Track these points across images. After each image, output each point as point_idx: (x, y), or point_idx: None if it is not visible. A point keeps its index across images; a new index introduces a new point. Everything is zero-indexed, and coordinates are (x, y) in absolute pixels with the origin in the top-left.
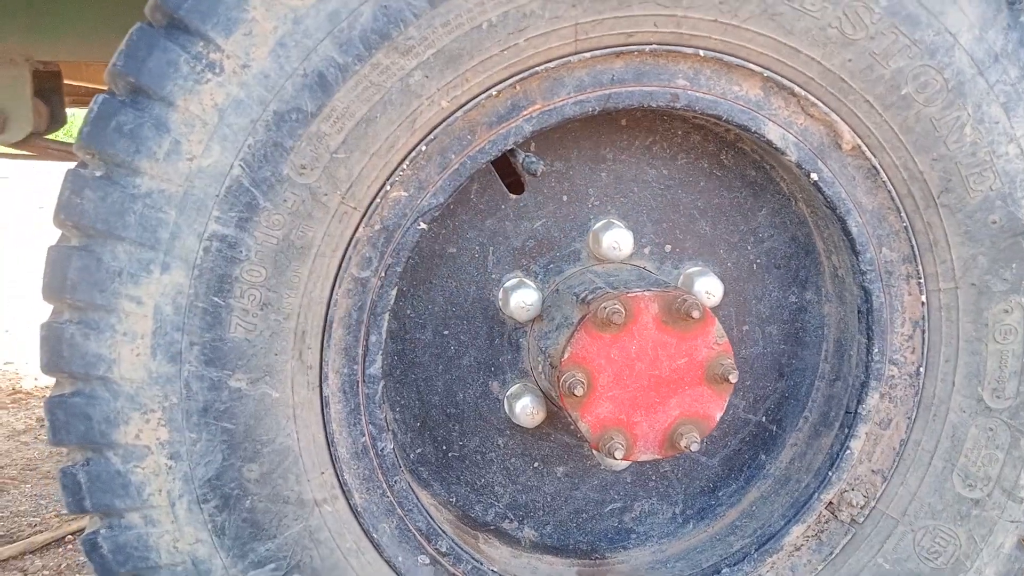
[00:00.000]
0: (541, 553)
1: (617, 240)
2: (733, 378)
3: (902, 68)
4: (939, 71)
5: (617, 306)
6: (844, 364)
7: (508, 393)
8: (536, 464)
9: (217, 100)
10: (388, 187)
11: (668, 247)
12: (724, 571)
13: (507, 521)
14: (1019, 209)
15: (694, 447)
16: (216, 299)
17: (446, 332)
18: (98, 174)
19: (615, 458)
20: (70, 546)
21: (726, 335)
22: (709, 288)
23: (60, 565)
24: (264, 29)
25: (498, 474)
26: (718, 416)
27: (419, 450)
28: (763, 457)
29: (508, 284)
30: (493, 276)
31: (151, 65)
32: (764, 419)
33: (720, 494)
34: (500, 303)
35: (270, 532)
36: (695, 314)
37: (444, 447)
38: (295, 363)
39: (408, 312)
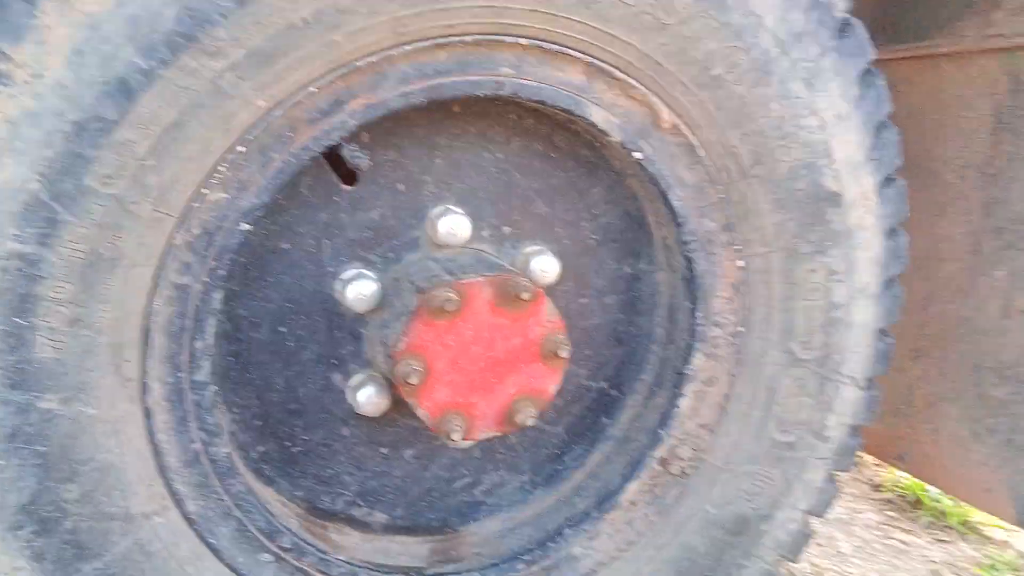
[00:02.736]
0: (393, 535)
1: (454, 226)
2: (565, 353)
3: (713, 50)
4: (746, 51)
5: (450, 293)
6: (675, 328)
7: (350, 384)
8: (384, 450)
9: (8, 112)
10: (205, 190)
11: (507, 229)
12: (566, 532)
13: (356, 508)
14: (821, 176)
15: (530, 422)
16: (18, 320)
17: (283, 329)
18: None
19: (454, 440)
20: None
21: (559, 312)
22: (545, 267)
23: None
24: (57, 36)
25: (345, 464)
26: (553, 390)
27: (261, 448)
28: (605, 420)
29: (345, 276)
30: (330, 269)
31: None
32: (605, 385)
33: (566, 459)
34: (338, 295)
35: (95, 551)
36: (525, 295)
37: (288, 443)
38: (112, 378)
39: (241, 312)
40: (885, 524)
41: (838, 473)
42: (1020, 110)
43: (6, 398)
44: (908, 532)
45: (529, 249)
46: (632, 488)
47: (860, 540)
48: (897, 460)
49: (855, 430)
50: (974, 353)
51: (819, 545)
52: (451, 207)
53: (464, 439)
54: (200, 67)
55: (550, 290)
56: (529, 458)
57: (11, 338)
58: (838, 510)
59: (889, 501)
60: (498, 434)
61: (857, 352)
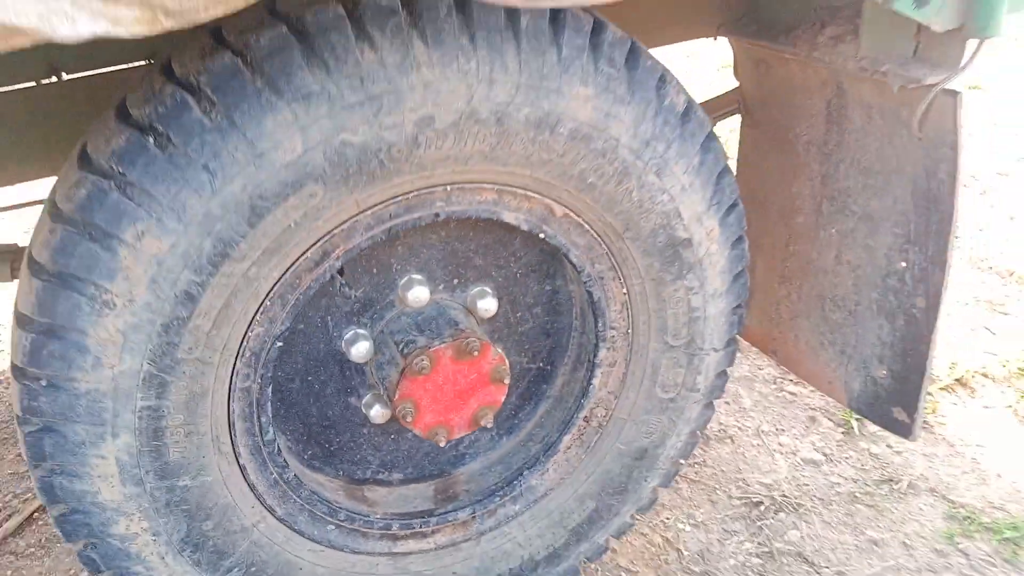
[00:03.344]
0: (407, 484)
1: (417, 293)
2: (507, 380)
3: (585, 168)
4: (610, 163)
5: (425, 360)
6: (586, 325)
7: (363, 403)
8: (392, 436)
9: (119, 326)
10: (250, 333)
11: (455, 280)
12: (525, 472)
13: (380, 474)
14: (674, 231)
15: (489, 423)
16: (155, 442)
17: (310, 378)
18: (44, 384)
19: (440, 443)
20: (40, 522)
21: (500, 350)
22: (487, 306)
23: (41, 539)
24: (137, 273)
25: (367, 450)
26: (502, 399)
27: (309, 452)
28: (544, 387)
29: (347, 337)
30: (335, 334)
31: (59, 310)
32: (541, 364)
33: (520, 415)
34: (344, 351)
35: (229, 553)
36: (476, 351)
37: (326, 445)
38: (217, 455)
39: (280, 375)
40: (780, 378)
41: (710, 400)
42: (843, 109)
43: (159, 485)
44: (797, 384)
45: (474, 291)
46: (566, 438)
47: (759, 394)
48: (771, 354)
49: (721, 374)
50: (818, 286)
51: (726, 403)
52: (414, 276)
53: (446, 440)
54: (233, 270)
55: (493, 319)
56: (495, 417)
57: (153, 452)
58: (744, 368)
59: None
60: (469, 432)
61: (715, 331)
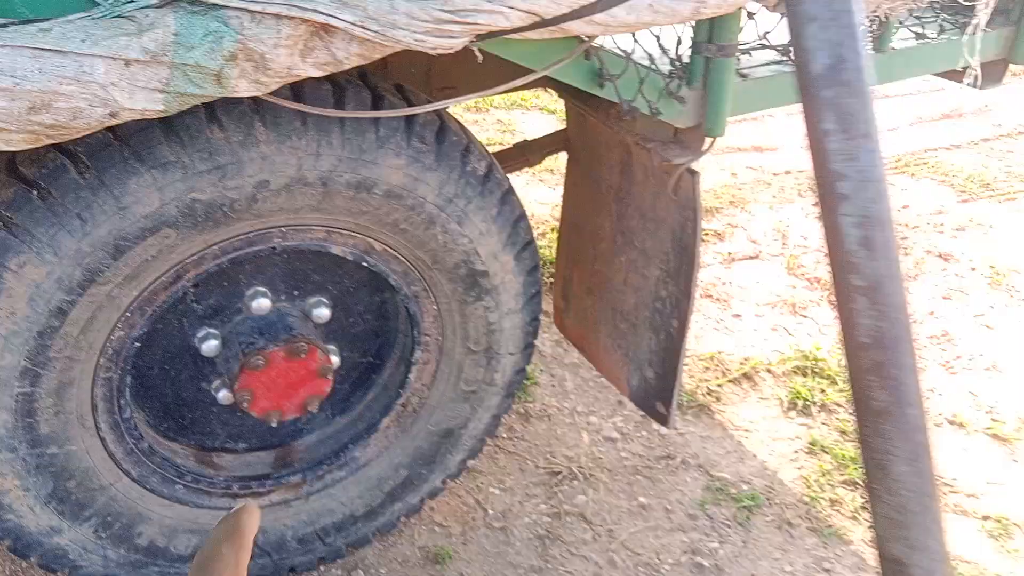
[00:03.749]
0: (251, 452)
1: (260, 303)
2: (330, 376)
3: (397, 218)
4: (418, 215)
5: (260, 360)
6: (408, 330)
7: (212, 388)
8: (239, 414)
9: (2, 332)
10: (112, 336)
11: (295, 292)
12: (350, 446)
13: (228, 443)
14: (474, 265)
15: (315, 408)
16: (28, 420)
17: (167, 367)
18: None
19: (273, 424)
20: None
21: (327, 351)
22: (321, 314)
23: None
24: (19, 293)
25: (217, 424)
26: (327, 390)
27: (165, 425)
28: (374, 377)
29: (200, 336)
30: (190, 333)
31: None
32: (371, 358)
33: (352, 399)
34: (197, 346)
35: (89, 505)
36: (304, 353)
37: (181, 420)
38: (82, 429)
39: (142, 364)
40: None
41: (509, 392)
42: (630, 166)
43: (30, 452)
44: None
45: (312, 301)
46: (386, 420)
47: (581, 379)
48: (582, 350)
49: (519, 372)
50: (612, 300)
51: (552, 386)
52: (258, 289)
53: (279, 421)
54: (98, 291)
55: (327, 325)
56: (331, 400)
57: (26, 428)
58: (574, 355)
59: None
60: (299, 415)
61: (510, 340)
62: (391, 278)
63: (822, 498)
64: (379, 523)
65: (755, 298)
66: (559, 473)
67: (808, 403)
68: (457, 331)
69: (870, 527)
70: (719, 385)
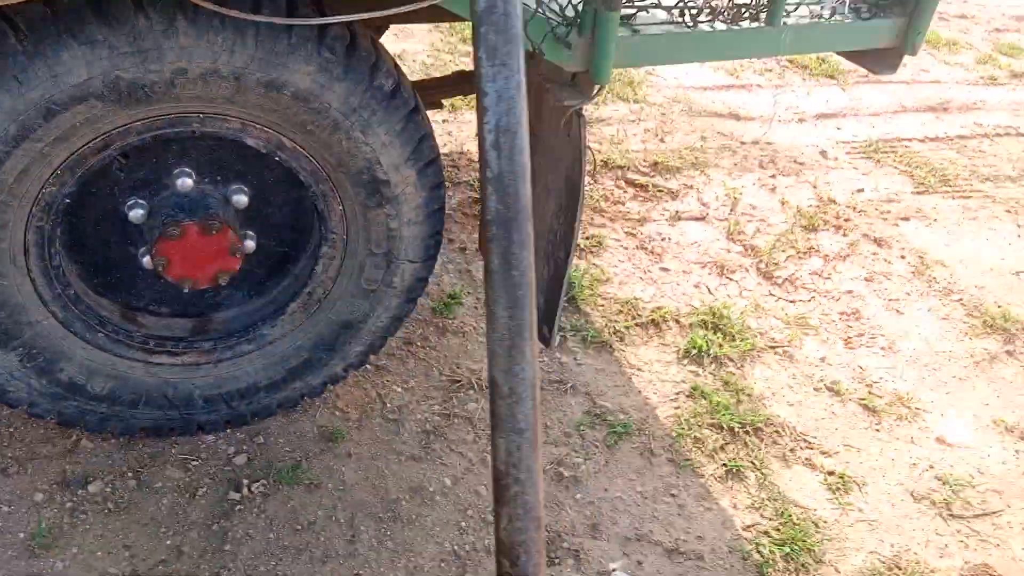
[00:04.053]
0: (173, 317)
1: (184, 181)
2: (239, 254)
3: (305, 119)
4: (324, 119)
5: (175, 230)
6: (319, 228)
7: (139, 253)
8: (163, 280)
9: None
10: (44, 190)
11: (219, 178)
12: (260, 322)
13: (152, 305)
14: (376, 173)
15: (224, 281)
16: None
17: (100, 228)
18: None
19: (186, 290)
20: None
21: (239, 232)
22: (239, 200)
23: None
24: None
25: (143, 286)
26: (237, 267)
27: (96, 280)
28: (289, 266)
29: (129, 204)
30: (121, 201)
31: None
32: (286, 249)
33: (268, 284)
34: (126, 213)
35: (17, 336)
36: (215, 229)
37: (110, 279)
38: (15, 267)
39: (76, 223)
40: None
41: (410, 296)
42: (540, 104)
43: None
44: None
45: (233, 187)
46: (293, 305)
47: None
48: None
49: (420, 280)
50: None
51: (475, 308)
52: (185, 169)
53: (191, 288)
54: (31, 147)
55: (247, 211)
56: (249, 282)
57: None
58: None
59: None
60: (211, 286)
61: (410, 248)
62: (301, 175)
63: (688, 435)
64: (281, 397)
65: (688, 256)
66: (459, 382)
67: (702, 353)
68: (360, 232)
69: (710, 456)
70: (626, 327)
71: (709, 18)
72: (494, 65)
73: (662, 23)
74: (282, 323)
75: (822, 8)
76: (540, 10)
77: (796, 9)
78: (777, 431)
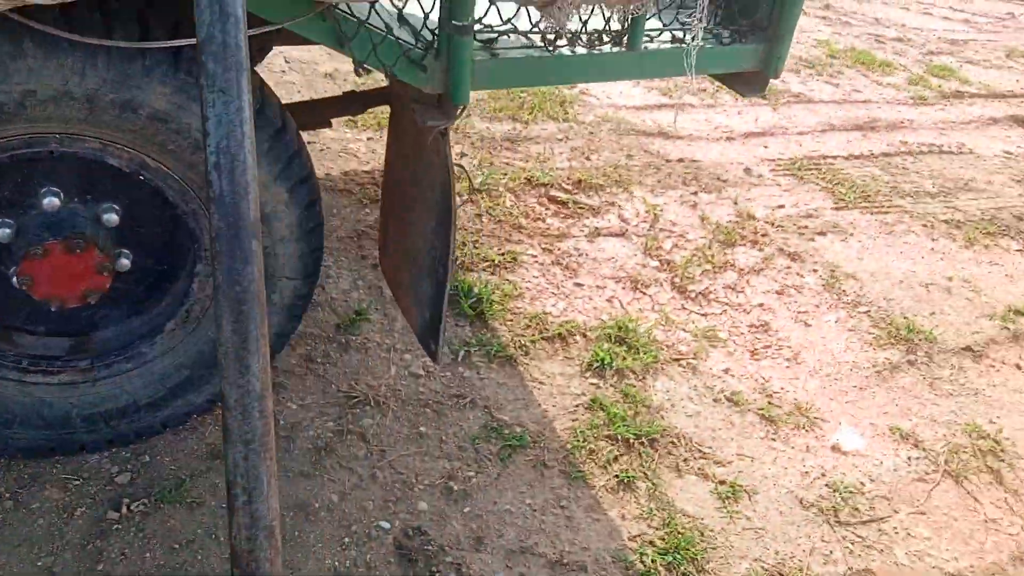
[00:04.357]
0: (50, 336)
1: (50, 201)
2: (107, 273)
3: (164, 139)
4: (185, 139)
5: (39, 250)
6: (195, 247)
7: (8, 274)
8: (34, 300)
9: None
10: None
11: (88, 196)
12: (138, 341)
13: (28, 324)
14: None
15: (94, 300)
16: None
17: None
18: None
19: (53, 309)
20: None
21: (107, 250)
22: (110, 219)
23: None
24: None
25: (15, 309)
26: (106, 286)
27: None
28: (167, 284)
29: None
30: None
31: None
32: (165, 266)
33: (146, 304)
34: None
35: None
36: (79, 250)
37: None
38: None
39: None
40: None
41: (291, 314)
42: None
43: None
44: None
45: (103, 207)
46: (171, 323)
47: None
48: (392, 291)
49: (301, 297)
50: (409, 247)
51: (380, 324)
52: (52, 188)
53: (58, 308)
54: None
55: (121, 229)
56: (128, 302)
57: None
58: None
59: None
60: (79, 306)
61: (288, 265)
62: (168, 194)
63: (583, 447)
64: (163, 416)
65: (604, 271)
66: (356, 398)
67: (605, 366)
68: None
69: (603, 467)
70: (532, 341)
71: (567, 43)
72: (212, 91)
73: (522, 47)
74: (161, 341)
75: (684, 34)
76: (390, 35)
77: (660, 35)
78: (673, 441)
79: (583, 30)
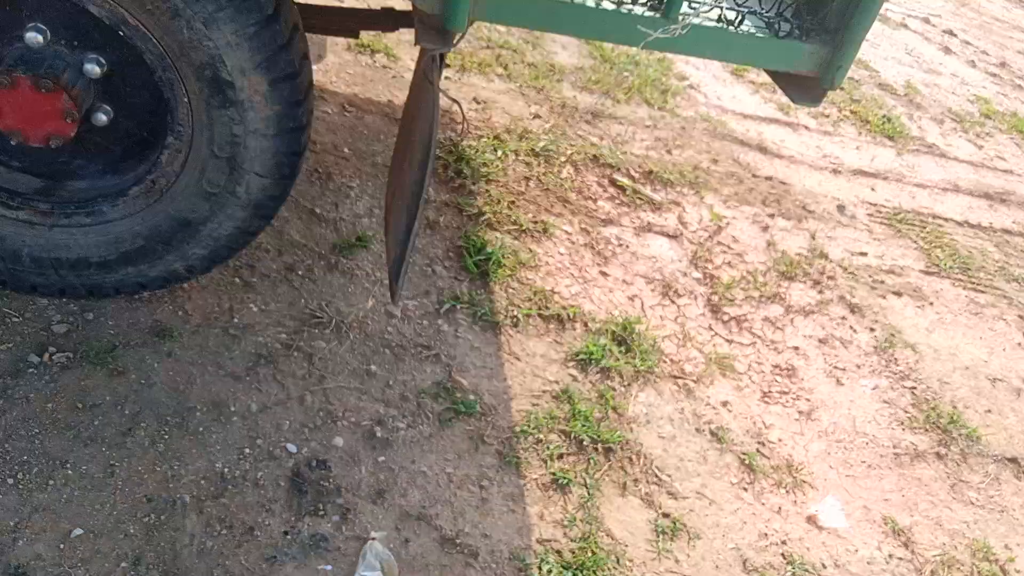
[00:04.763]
0: (22, 172)
1: (32, 36)
2: (71, 120)
3: (147, 3)
4: (165, 4)
5: (6, 79)
6: (169, 118)
7: None
8: (12, 141)
9: None
10: None
11: (75, 43)
12: (101, 201)
13: (10, 162)
14: (219, 72)
15: (55, 144)
16: None
17: None
18: None
19: (13, 143)
20: None
21: (73, 97)
22: (91, 70)
23: None
24: None
25: None
26: (71, 133)
27: None
28: (146, 151)
29: None
30: None
31: None
32: (145, 132)
33: (121, 165)
34: None
35: None
36: (46, 88)
37: None
38: None
39: None
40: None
41: (258, 212)
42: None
43: None
44: (428, 262)
45: (88, 56)
46: (136, 189)
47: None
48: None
49: (271, 198)
50: (398, 184)
51: (381, 256)
52: (39, 26)
53: (18, 142)
54: None
55: (107, 85)
56: (104, 159)
57: None
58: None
59: None
60: (42, 145)
61: (259, 160)
62: (146, 56)
63: (532, 434)
64: (113, 279)
65: (638, 268)
66: (320, 319)
67: (592, 361)
68: (204, 130)
69: (543, 460)
70: (526, 315)
71: None
72: None
73: None
74: (123, 204)
75: (736, 15)
76: None
77: (710, 10)
78: (631, 457)
79: None
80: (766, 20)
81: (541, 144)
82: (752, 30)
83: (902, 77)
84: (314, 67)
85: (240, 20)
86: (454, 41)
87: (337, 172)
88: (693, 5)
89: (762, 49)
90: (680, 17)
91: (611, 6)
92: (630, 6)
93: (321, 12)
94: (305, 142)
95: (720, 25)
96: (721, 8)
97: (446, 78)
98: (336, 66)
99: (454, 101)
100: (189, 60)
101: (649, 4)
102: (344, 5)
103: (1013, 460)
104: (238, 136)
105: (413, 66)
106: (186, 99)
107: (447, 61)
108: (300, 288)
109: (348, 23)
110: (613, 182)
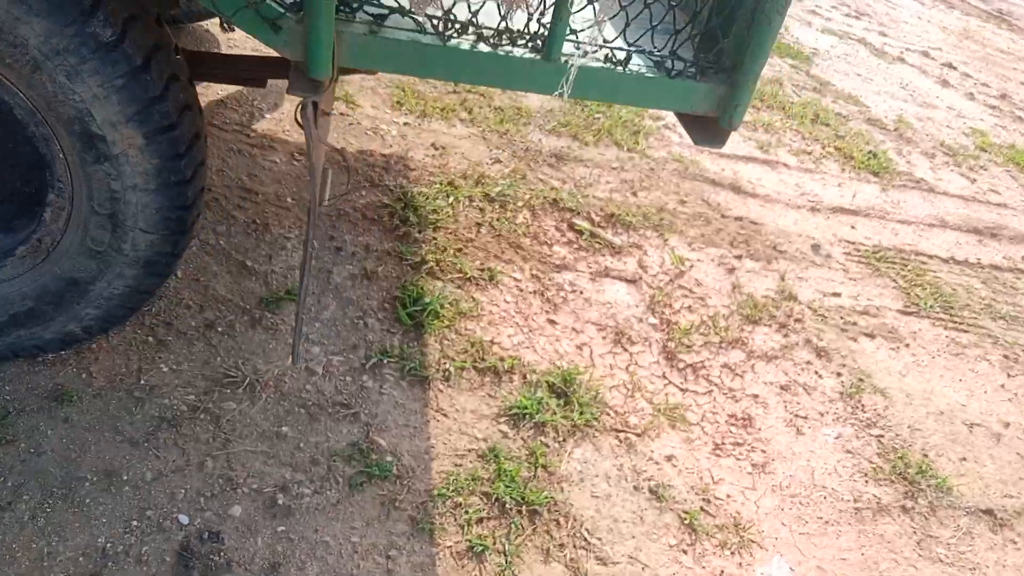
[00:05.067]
0: None
1: None
2: None
3: (2, 51)
4: (22, 55)
5: None
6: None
7: None
8: None
9: None
10: None
11: None
12: None
13: None
14: (89, 126)
15: None
16: None
17: None
18: None
19: None
20: None
21: None
22: None
23: None
24: None
25: None
26: None
27: None
28: (37, 208)
29: None
30: None
31: None
32: (33, 191)
33: (15, 224)
34: None
35: None
36: None
37: None
38: None
39: None
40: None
41: (150, 270)
42: None
43: None
44: (363, 317)
45: None
46: (22, 249)
47: (341, 312)
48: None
49: (161, 254)
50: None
51: (309, 310)
52: None
53: None
54: None
55: None
56: None
57: None
58: (355, 291)
59: None
60: None
61: (142, 216)
62: (15, 112)
63: (451, 498)
64: (7, 342)
65: (590, 315)
66: (234, 379)
67: (526, 415)
68: (82, 187)
69: (460, 526)
70: (460, 368)
71: (472, 36)
72: None
73: (412, 30)
74: (9, 265)
75: (627, 55)
76: None
77: (597, 51)
78: (558, 520)
79: (473, 20)
80: (657, 59)
81: (497, 189)
82: (643, 70)
83: (894, 112)
84: (267, 116)
85: (106, 72)
86: (323, 89)
87: (276, 223)
88: (579, 44)
89: (655, 90)
90: (562, 59)
91: (487, 49)
92: (508, 48)
93: (204, 60)
94: (194, 196)
95: (607, 66)
96: (610, 48)
97: (405, 124)
98: (290, 114)
99: (337, 150)
100: (57, 115)
101: (530, 46)
102: (247, 53)
103: (988, 512)
104: (117, 192)
105: (375, 116)
106: (61, 155)
107: (402, 105)
108: (217, 346)
109: (250, 72)
110: (572, 226)
